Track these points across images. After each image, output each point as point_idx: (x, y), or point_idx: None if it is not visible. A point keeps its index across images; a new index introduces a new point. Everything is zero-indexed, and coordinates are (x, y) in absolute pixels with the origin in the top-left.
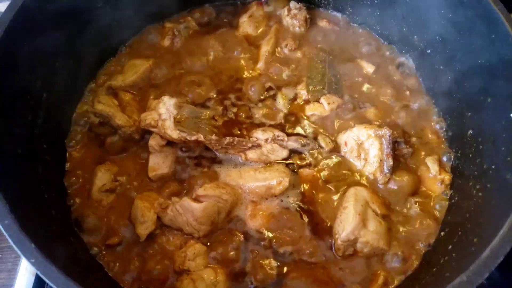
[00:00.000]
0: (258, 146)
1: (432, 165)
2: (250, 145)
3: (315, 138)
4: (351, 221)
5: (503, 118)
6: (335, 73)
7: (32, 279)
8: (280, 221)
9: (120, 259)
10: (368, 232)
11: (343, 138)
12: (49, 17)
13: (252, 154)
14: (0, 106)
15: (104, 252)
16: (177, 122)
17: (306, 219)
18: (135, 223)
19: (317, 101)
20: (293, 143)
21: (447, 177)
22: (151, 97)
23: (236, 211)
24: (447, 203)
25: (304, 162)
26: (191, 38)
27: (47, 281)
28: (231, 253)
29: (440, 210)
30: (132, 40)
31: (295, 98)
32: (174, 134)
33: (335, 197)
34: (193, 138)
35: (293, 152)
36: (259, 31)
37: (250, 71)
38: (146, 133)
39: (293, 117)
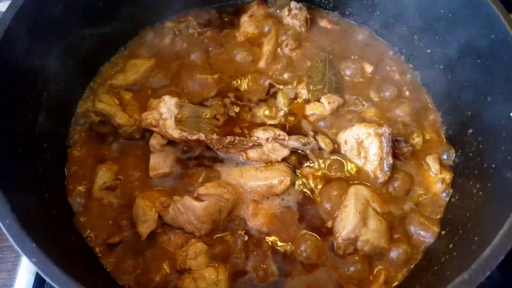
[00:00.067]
0: (259, 145)
1: (432, 164)
2: (251, 144)
3: (315, 137)
4: (351, 219)
5: (503, 117)
6: (335, 73)
7: (32, 279)
8: (281, 220)
9: (121, 258)
10: (368, 230)
11: (343, 137)
12: (50, 17)
13: (253, 153)
14: (0, 106)
15: (105, 251)
16: (178, 122)
17: (306, 218)
18: (137, 222)
19: (318, 100)
20: (293, 142)
21: (448, 176)
22: (152, 96)
23: (238, 210)
24: (447, 201)
25: (305, 161)
26: (192, 37)
27: (48, 280)
28: (232, 252)
29: (441, 208)
30: (133, 40)
31: (295, 98)
32: (175, 133)
33: (336, 196)
34: (194, 137)
35: (294, 151)
36: (260, 31)
37: (251, 71)
38: (147, 132)
39: (294, 116)
